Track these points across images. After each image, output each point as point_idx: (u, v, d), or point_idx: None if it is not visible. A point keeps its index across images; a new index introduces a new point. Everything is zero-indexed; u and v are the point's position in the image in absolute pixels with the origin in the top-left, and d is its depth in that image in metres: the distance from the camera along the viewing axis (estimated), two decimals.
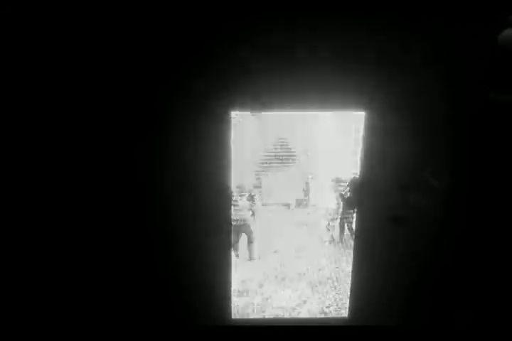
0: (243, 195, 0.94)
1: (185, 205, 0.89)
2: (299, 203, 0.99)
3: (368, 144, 0.90)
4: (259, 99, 0.83)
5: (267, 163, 0.94)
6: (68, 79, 0.78)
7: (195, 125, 0.84)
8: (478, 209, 0.92)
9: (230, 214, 0.92)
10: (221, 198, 0.90)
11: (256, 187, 0.97)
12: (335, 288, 0.99)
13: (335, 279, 1.00)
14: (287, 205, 0.98)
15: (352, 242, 0.98)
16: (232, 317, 0.97)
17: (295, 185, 0.96)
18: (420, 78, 0.82)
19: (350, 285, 0.99)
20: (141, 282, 0.92)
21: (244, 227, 0.96)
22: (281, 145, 0.93)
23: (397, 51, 0.80)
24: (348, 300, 0.99)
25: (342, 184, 0.97)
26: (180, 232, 0.91)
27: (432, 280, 0.98)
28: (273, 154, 0.93)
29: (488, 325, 0.96)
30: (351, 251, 0.98)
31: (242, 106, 0.84)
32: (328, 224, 1.00)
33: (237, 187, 0.94)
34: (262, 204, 0.97)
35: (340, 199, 0.99)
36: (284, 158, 0.93)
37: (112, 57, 0.78)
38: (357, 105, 0.86)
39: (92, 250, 0.87)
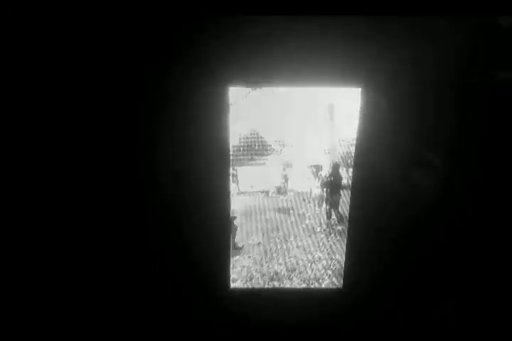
0: None
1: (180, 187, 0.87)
2: (279, 190, 0.99)
3: (364, 123, 0.86)
4: (257, 74, 0.81)
5: (241, 152, 0.94)
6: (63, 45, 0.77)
7: (192, 102, 0.82)
8: (479, 190, 0.89)
9: (229, 188, 0.89)
10: (219, 173, 0.87)
11: (233, 175, 0.96)
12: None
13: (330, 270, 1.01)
14: (266, 192, 0.99)
15: (340, 228, 0.97)
16: (231, 286, 0.96)
17: (273, 172, 0.96)
18: (418, 52, 0.80)
19: (344, 256, 0.96)
20: (137, 252, 0.90)
21: None
22: (253, 136, 0.94)
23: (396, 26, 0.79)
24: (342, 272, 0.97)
25: (323, 170, 0.96)
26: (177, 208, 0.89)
27: (427, 261, 0.94)
28: (246, 145, 0.94)
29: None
30: (341, 238, 0.97)
31: (240, 81, 0.83)
32: (315, 210, 0.99)
33: None
34: (238, 193, 0.98)
35: (323, 185, 0.97)
36: (257, 148, 0.94)
37: (105, 28, 0.76)
38: (353, 81, 0.83)
39: (88, 217, 0.86)
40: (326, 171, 0.98)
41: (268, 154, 0.94)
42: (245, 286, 1.00)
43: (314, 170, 0.98)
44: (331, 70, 0.83)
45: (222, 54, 0.80)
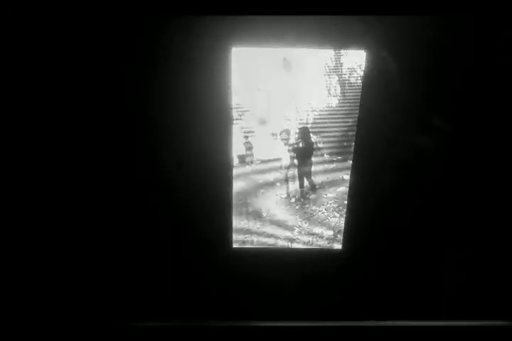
0: None
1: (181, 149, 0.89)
2: (242, 160, 0.89)
3: (368, 86, 0.84)
4: (259, 34, 0.79)
5: None
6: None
7: (194, 62, 0.81)
8: (483, 155, 0.89)
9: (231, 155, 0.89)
10: (221, 138, 0.89)
11: None
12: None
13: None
14: None
15: (314, 196, 0.93)
16: (232, 246, 0.97)
17: (234, 141, 0.87)
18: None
19: (345, 217, 0.96)
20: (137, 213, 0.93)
21: None
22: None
23: None
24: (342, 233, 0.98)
25: (290, 135, 0.88)
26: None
27: (428, 221, 0.96)
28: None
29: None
30: (316, 207, 0.94)
31: (242, 41, 0.80)
32: (286, 179, 0.93)
33: None
34: None
35: (292, 152, 0.91)
36: None
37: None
38: (357, 44, 0.81)
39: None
40: (294, 137, 0.89)
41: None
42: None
43: (284, 135, 0.88)
44: (336, 32, 0.80)
45: (223, 17, 0.77)
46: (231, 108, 0.85)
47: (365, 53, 0.80)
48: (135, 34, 0.78)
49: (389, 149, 0.89)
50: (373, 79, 0.84)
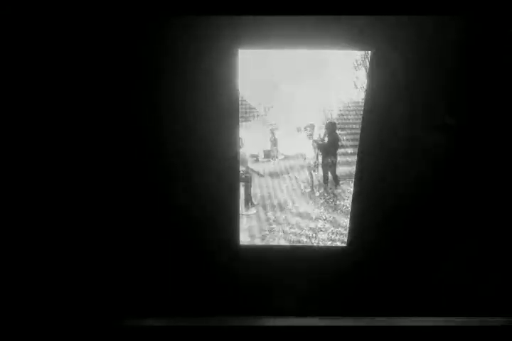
0: None
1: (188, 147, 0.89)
2: (267, 154, 0.91)
3: (374, 85, 0.84)
4: (267, 36, 0.79)
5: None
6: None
7: (201, 64, 0.81)
8: (491, 151, 0.88)
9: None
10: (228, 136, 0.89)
11: None
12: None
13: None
14: (255, 156, 0.92)
15: (337, 190, 0.94)
16: (240, 243, 0.98)
17: (259, 136, 0.88)
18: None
19: (350, 213, 0.97)
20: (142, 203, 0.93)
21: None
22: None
23: None
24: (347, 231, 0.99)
25: (316, 130, 0.89)
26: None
27: (434, 220, 0.97)
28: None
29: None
30: (340, 203, 0.95)
31: (249, 43, 0.80)
32: (310, 173, 0.94)
33: None
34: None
35: (317, 147, 0.91)
36: (243, 112, 0.85)
37: None
38: (364, 44, 0.80)
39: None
40: (319, 132, 0.90)
41: (253, 117, 0.86)
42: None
43: (309, 130, 0.89)
44: (342, 32, 0.80)
45: (230, 18, 0.77)
46: (238, 107, 0.86)
47: (370, 53, 0.80)
48: (143, 36, 0.78)
49: (395, 147, 0.90)
50: (379, 78, 0.84)
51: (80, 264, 0.94)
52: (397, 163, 0.90)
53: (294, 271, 1.04)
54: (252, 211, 0.95)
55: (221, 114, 0.86)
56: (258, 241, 0.99)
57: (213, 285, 1.03)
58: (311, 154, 0.93)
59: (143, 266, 0.99)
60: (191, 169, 0.91)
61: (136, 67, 0.81)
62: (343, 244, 0.99)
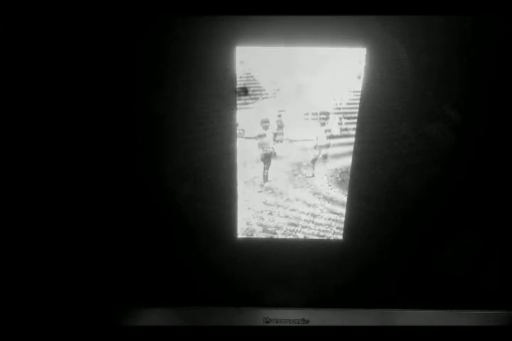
0: None
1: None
2: (274, 138, 0.91)
3: (370, 81, 0.84)
4: (264, 34, 0.77)
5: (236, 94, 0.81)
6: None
7: (199, 62, 0.80)
8: (492, 143, 0.87)
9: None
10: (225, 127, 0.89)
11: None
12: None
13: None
14: (262, 136, 0.89)
15: (342, 179, 0.91)
16: (238, 236, 0.99)
17: (266, 118, 0.86)
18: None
19: (346, 206, 0.97)
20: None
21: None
22: (247, 77, 0.81)
23: None
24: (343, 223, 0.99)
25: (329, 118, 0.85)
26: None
27: (433, 213, 0.96)
28: (239, 87, 0.81)
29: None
30: (342, 191, 0.93)
31: (247, 41, 0.78)
32: (314, 160, 0.93)
33: None
34: (245, 138, 0.91)
35: (325, 134, 0.89)
36: (251, 91, 0.82)
37: None
38: (358, 41, 0.79)
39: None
40: (332, 120, 0.88)
41: (262, 98, 0.84)
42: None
43: (324, 118, 0.88)
44: (337, 30, 0.78)
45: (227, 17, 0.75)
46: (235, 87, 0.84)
47: (365, 50, 0.78)
48: (137, 34, 0.76)
49: (392, 137, 0.88)
50: (374, 76, 0.82)
51: (70, 254, 0.94)
52: (396, 156, 0.90)
53: (291, 264, 1.04)
54: (268, 184, 0.96)
55: (219, 94, 0.85)
56: (257, 222, 1.00)
57: (209, 277, 1.02)
58: (317, 140, 0.91)
59: (137, 257, 0.98)
60: (187, 161, 0.91)
61: (131, 65, 0.81)
62: (340, 236, 1.00)
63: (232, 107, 0.85)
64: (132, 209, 0.93)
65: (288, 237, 1.00)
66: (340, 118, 0.84)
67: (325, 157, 0.90)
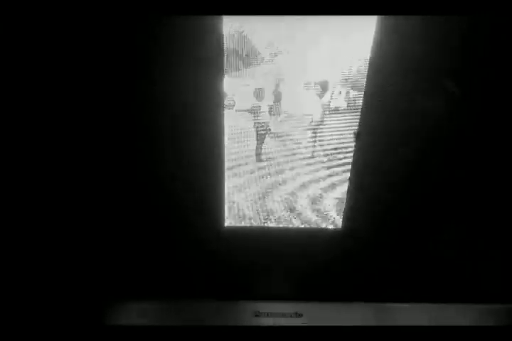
0: None
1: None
2: (269, 111, 0.79)
3: (378, 51, 0.77)
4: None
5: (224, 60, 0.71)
6: None
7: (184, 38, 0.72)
8: (493, 120, 0.82)
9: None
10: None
11: None
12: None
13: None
14: (253, 112, 0.79)
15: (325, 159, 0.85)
16: (225, 224, 0.92)
17: (262, 87, 0.75)
18: None
19: (346, 193, 0.91)
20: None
21: None
22: (240, 37, 0.70)
23: None
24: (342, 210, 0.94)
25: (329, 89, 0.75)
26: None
27: (431, 201, 0.92)
28: (230, 49, 0.70)
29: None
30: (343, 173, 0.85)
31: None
32: (313, 137, 0.82)
33: None
34: (236, 110, 0.81)
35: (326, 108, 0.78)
36: (244, 54, 0.71)
37: None
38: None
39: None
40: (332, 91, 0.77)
41: (257, 64, 0.72)
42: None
43: (320, 88, 0.77)
44: None
45: None
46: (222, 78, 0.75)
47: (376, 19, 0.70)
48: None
49: (393, 131, 0.82)
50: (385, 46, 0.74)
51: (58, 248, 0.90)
52: (398, 144, 0.84)
53: (282, 254, 0.98)
54: (262, 164, 0.86)
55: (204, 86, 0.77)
56: (248, 207, 0.92)
57: (197, 268, 0.97)
58: (317, 116, 0.80)
59: (125, 249, 0.93)
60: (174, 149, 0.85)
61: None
62: (336, 227, 0.94)
63: (219, 73, 0.73)
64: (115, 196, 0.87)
65: (281, 225, 0.92)
66: (348, 91, 0.73)
67: (326, 135, 0.80)
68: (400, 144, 0.84)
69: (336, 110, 0.77)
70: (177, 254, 0.94)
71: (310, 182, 0.86)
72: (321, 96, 0.76)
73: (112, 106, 0.78)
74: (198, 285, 0.96)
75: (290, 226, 0.93)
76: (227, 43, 0.69)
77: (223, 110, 0.76)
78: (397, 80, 0.77)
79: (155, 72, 0.75)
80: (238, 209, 0.88)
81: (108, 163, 0.82)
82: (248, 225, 0.92)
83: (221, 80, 0.74)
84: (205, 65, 0.73)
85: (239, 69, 0.70)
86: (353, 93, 0.74)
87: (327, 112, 0.78)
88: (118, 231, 0.90)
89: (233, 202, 0.88)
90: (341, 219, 0.92)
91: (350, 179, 0.87)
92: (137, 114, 0.79)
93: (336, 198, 0.88)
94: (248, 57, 0.71)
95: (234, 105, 0.73)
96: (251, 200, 0.86)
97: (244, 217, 0.89)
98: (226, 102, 0.73)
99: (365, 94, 0.78)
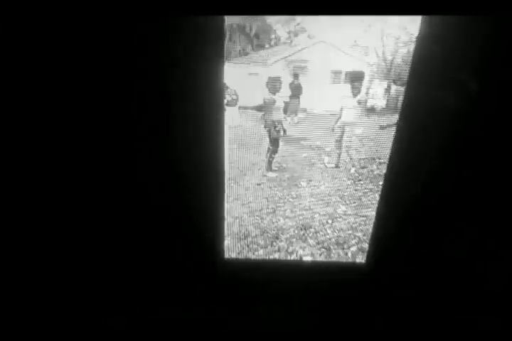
0: None
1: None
2: (285, 110, 0.65)
3: (420, 50, 0.67)
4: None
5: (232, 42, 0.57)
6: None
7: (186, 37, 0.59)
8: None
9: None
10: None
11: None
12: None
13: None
14: (265, 110, 0.65)
15: (352, 169, 0.73)
16: (225, 257, 0.81)
17: (276, 79, 0.60)
18: None
19: (372, 226, 0.81)
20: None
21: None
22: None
23: None
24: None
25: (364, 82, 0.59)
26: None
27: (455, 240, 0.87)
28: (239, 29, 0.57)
29: None
30: (374, 188, 0.74)
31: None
32: (338, 144, 0.67)
33: None
34: (239, 107, 0.65)
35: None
36: (256, 35, 0.57)
37: None
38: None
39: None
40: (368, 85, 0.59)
41: (269, 46, 0.54)
42: (236, 247, 0.81)
43: (353, 81, 0.59)
44: None
45: None
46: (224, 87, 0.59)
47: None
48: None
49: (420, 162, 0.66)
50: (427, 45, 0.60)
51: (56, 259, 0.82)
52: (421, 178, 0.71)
53: (295, 293, 0.84)
54: (273, 174, 0.73)
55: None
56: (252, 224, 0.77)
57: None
58: (347, 117, 0.62)
59: (126, 268, 0.84)
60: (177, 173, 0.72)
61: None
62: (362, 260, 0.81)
63: (218, 58, 0.57)
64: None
65: (290, 258, 0.79)
66: (389, 85, 0.55)
67: (356, 140, 0.63)
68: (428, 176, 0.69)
69: (372, 110, 0.59)
70: (169, 290, 0.86)
71: (332, 195, 0.70)
72: (353, 91, 0.57)
73: (112, 106, 0.72)
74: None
75: (304, 260, 0.79)
76: (229, 18, 0.51)
77: (223, 109, 0.59)
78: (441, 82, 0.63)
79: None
80: (240, 226, 0.73)
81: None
82: (249, 258, 0.82)
83: (221, 67, 0.57)
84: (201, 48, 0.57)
85: (246, 53, 0.52)
86: (395, 88, 0.56)
87: (361, 112, 0.60)
88: (120, 259, 0.82)
89: (234, 218, 0.73)
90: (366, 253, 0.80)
91: (376, 213, 0.74)
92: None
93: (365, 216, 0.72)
94: (258, 37, 0.53)
95: (237, 100, 0.56)
96: (257, 216, 0.71)
97: (245, 236, 0.74)
98: (227, 97, 0.56)
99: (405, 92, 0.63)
